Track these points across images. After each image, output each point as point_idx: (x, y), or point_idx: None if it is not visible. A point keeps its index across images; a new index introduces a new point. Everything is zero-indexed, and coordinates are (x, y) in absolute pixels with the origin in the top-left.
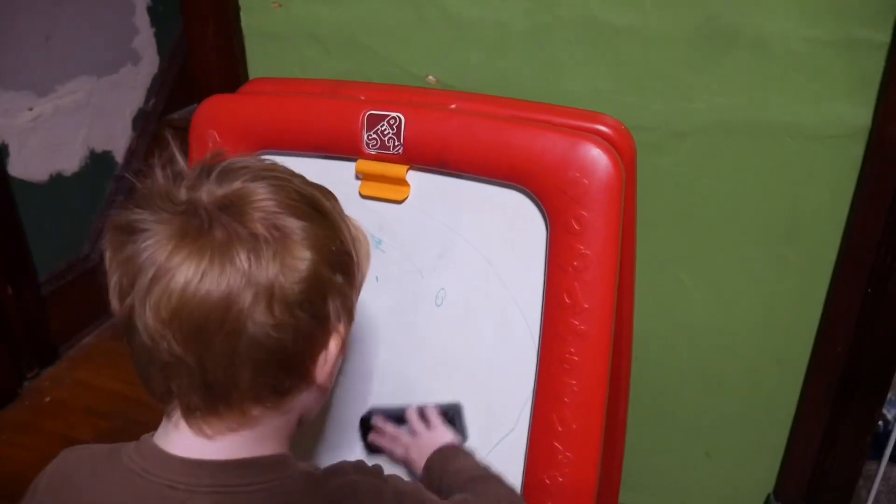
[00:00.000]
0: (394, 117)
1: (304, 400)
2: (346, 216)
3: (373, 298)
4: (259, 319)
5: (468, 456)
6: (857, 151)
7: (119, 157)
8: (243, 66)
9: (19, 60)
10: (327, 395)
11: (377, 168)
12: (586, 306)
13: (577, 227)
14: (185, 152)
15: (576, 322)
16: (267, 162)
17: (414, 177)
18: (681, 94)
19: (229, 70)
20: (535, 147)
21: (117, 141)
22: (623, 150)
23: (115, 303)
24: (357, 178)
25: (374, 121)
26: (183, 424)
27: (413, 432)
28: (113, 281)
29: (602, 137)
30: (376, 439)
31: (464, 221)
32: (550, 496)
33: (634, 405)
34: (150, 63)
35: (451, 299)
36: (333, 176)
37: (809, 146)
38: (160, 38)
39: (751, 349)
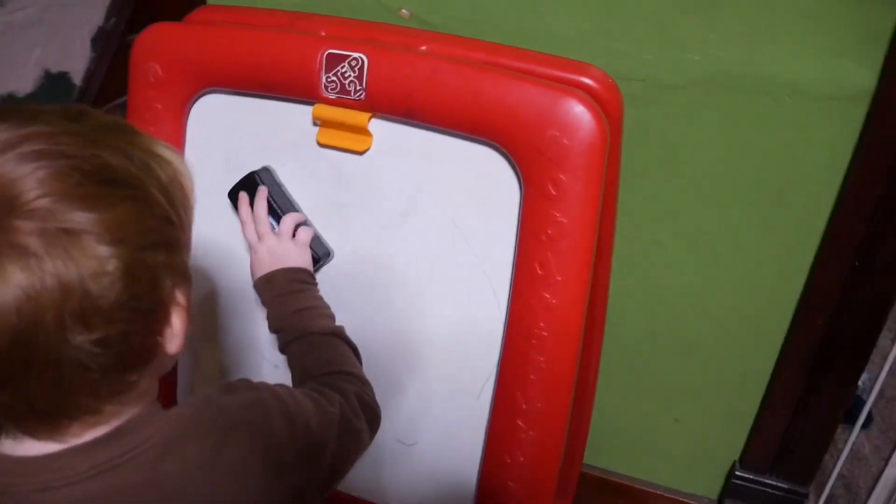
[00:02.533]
0: (356, 58)
1: (159, 366)
2: (153, 150)
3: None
4: (76, 341)
5: (314, 289)
6: (857, 116)
7: (77, 78)
8: None
9: None
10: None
11: (336, 114)
12: (559, 279)
13: (553, 191)
14: None
15: (547, 295)
16: (30, 128)
17: (378, 126)
18: (674, 42)
19: None
20: (511, 99)
21: (75, 62)
22: (609, 108)
23: None
24: (314, 124)
25: (333, 61)
26: (28, 438)
27: (279, 231)
28: None
29: (587, 92)
30: (241, 206)
31: (430, 178)
32: (510, 476)
33: (605, 366)
34: None
35: (414, 262)
36: (287, 121)
37: (807, 106)
38: None
39: (728, 315)
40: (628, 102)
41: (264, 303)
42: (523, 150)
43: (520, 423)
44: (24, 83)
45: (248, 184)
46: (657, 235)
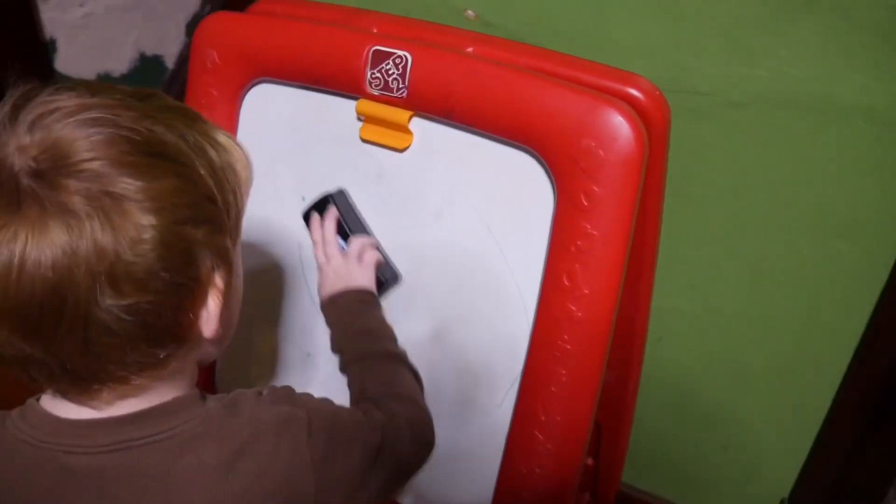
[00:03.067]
0: (400, 56)
1: (196, 353)
2: (211, 135)
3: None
4: (105, 304)
5: (378, 311)
6: None
7: (170, 62)
8: None
9: None
10: (230, 335)
11: (379, 111)
12: (586, 292)
13: (585, 202)
14: None
15: (573, 307)
16: (90, 99)
17: (419, 124)
18: (743, 58)
19: None
20: (548, 105)
21: (169, 46)
22: (653, 121)
23: None
24: (358, 119)
25: (379, 57)
26: (66, 401)
27: (346, 253)
28: None
29: (630, 103)
30: (313, 227)
31: (467, 180)
32: (526, 487)
33: (652, 386)
34: None
35: (445, 263)
36: (333, 114)
37: (883, 133)
38: None
39: (786, 346)
40: (689, 117)
41: (329, 324)
42: (558, 157)
43: (538, 434)
44: (120, 64)
45: (322, 205)
46: (714, 257)
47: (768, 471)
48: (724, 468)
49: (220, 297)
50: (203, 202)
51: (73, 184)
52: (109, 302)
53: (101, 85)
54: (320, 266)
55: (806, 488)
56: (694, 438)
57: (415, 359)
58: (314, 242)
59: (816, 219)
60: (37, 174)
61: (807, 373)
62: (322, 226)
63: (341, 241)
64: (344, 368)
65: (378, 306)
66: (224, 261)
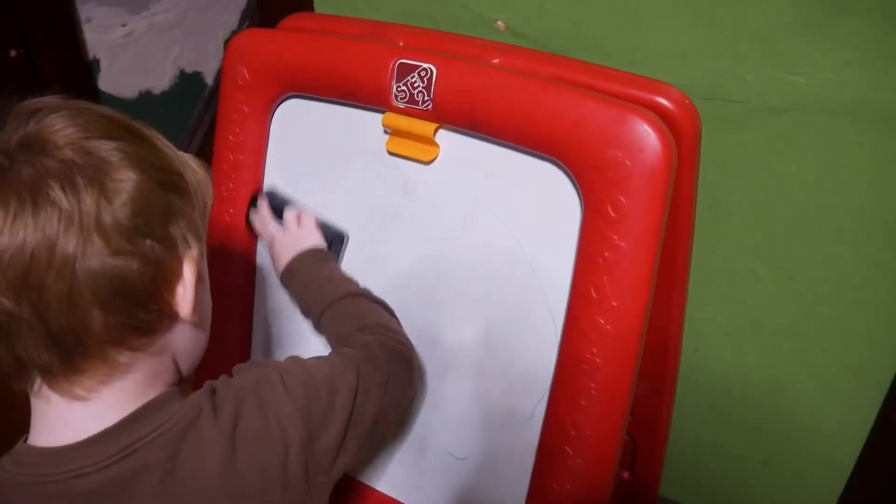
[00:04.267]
0: (425, 69)
1: (175, 339)
2: (171, 145)
3: (393, 264)
4: (91, 252)
5: (331, 263)
6: None
7: (209, 79)
8: None
9: None
10: (205, 335)
11: (405, 123)
12: (614, 304)
13: (612, 213)
14: None
15: (601, 320)
16: (66, 99)
17: (444, 136)
18: (780, 63)
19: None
20: (573, 115)
21: (208, 63)
22: (682, 130)
23: None
24: (385, 132)
25: (404, 71)
26: (54, 396)
27: (284, 226)
28: None
29: (658, 112)
30: (252, 216)
31: (494, 192)
32: (555, 503)
33: (690, 398)
34: None
35: (473, 275)
36: (360, 127)
37: None
38: None
39: (827, 359)
40: (725, 125)
41: (292, 292)
42: (584, 168)
43: (568, 449)
44: (161, 81)
45: (253, 204)
46: (752, 267)
47: (811, 486)
48: (765, 483)
49: (196, 270)
50: (175, 175)
51: (59, 142)
52: (95, 250)
53: (66, 99)
54: (269, 247)
55: None
56: (733, 452)
57: (441, 374)
58: (256, 232)
59: (857, 227)
60: (24, 145)
61: (849, 385)
62: (257, 214)
63: (277, 222)
64: (317, 325)
65: (331, 260)
66: (196, 236)
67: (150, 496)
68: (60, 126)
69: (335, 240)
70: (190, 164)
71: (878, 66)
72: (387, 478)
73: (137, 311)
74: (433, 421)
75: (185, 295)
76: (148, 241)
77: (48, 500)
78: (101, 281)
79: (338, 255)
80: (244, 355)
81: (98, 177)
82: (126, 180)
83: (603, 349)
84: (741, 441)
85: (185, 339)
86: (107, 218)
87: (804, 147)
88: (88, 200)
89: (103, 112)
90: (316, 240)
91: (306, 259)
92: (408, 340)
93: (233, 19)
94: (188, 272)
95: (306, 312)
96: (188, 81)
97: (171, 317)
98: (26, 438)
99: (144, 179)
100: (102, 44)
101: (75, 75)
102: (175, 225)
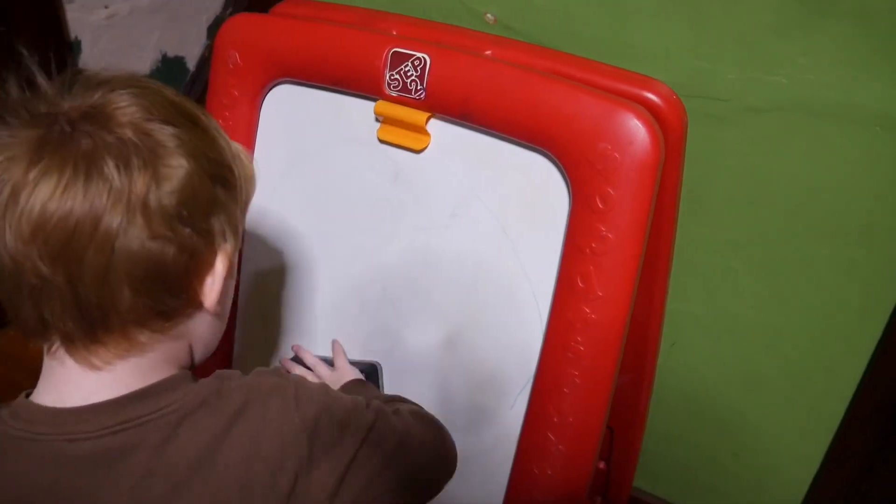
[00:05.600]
0: (419, 58)
1: (195, 326)
2: (226, 135)
3: (381, 251)
4: (133, 232)
5: (372, 388)
6: None
7: (191, 64)
8: None
9: None
10: (223, 325)
11: (397, 112)
12: (600, 294)
13: (601, 205)
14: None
15: (587, 309)
16: (135, 75)
17: (436, 126)
18: (761, 64)
19: None
20: (564, 108)
21: (191, 47)
22: (669, 125)
23: None
24: (377, 119)
25: (398, 59)
26: (69, 360)
27: (319, 377)
28: None
29: (647, 107)
30: (303, 357)
31: (483, 182)
32: (538, 488)
33: (665, 391)
34: None
35: (460, 264)
36: (352, 114)
37: None
38: None
39: (800, 353)
40: (708, 123)
41: None
42: (574, 160)
43: (550, 435)
44: (142, 64)
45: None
46: (730, 262)
47: (781, 478)
48: (737, 475)
49: (228, 264)
50: (225, 169)
51: (121, 119)
52: (136, 231)
53: (134, 75)
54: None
55: (819, 496)
56: (706, 444)
57: (427, 361)
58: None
59: (833, 225)
60: (87, 115)
61: (821, 380)
62: (305, 355)
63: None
64: None
65: (370, 386)
66: (234, 231)
67: (136, 475)
68: (125, 104)
69: (370, 373)
70: (241, 158)
71: (857, 69)
72: None
73: (165, 296)
74: None
75: (213, 286)
76: (188, 230)
77: (39, 459)
78: (137, 262)
79: (377, 385)
80: (227, 350)
81: (152, 160)
82: (178, 167)
83: (587, 338)
84: (713, 433)
85: (204, 328)
86: (153, 202)
87: (784, 146)
88: (139, 182)
89: (168, 95)
90: (354, 374)
91: (352, 388)
92: (440, 423)
93: (216, 4)
94: (220, 265)
95: None
96: (170, 66)
97: (196, 305)
98: (28, 394)
99: (196, 169)
100: (85, 24)
101: (56, 54)
102: (216, 218)
